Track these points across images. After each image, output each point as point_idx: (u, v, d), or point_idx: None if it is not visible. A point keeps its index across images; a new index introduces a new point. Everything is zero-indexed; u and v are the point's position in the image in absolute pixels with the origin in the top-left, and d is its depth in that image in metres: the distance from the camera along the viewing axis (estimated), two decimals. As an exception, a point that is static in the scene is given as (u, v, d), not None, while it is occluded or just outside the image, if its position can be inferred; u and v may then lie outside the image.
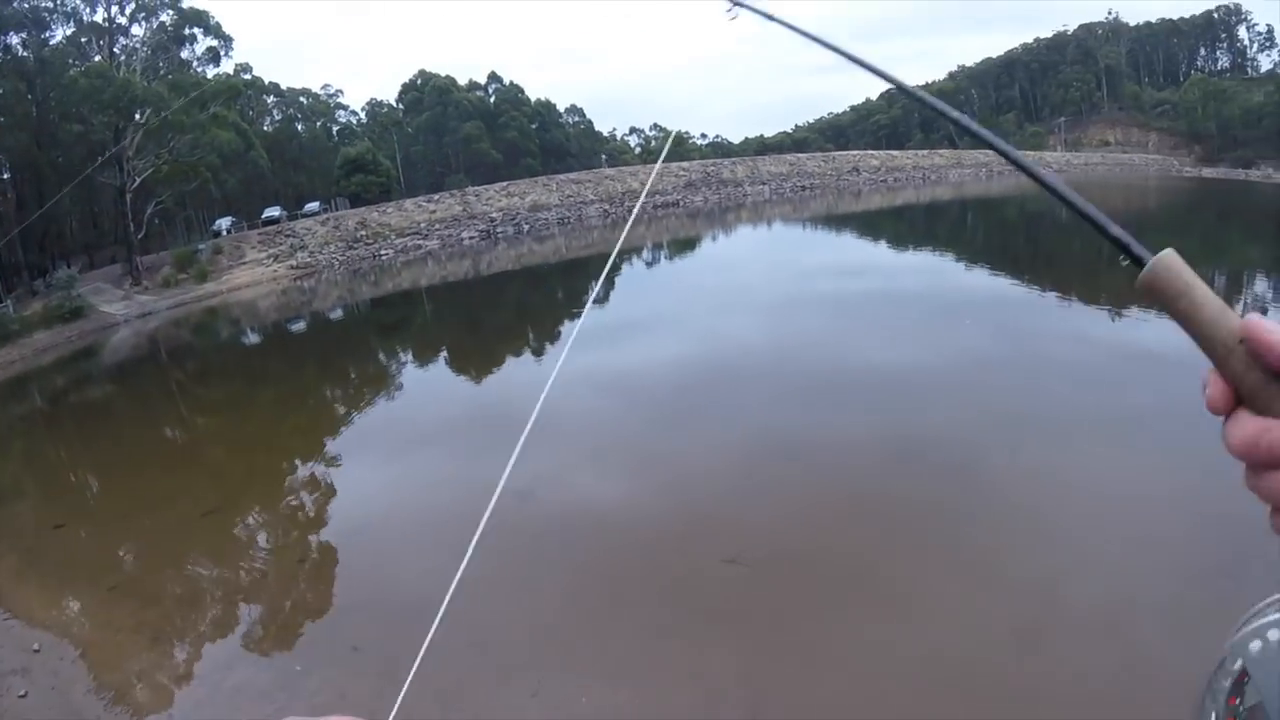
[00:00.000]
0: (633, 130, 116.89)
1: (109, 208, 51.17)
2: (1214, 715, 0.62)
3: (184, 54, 50.25)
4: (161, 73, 47.22)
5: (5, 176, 45.84)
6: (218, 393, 20.97)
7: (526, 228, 57.39)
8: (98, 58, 45.86)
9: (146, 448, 15.44)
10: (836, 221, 40.91)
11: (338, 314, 33.93)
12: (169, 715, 5.92)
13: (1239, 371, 0.55)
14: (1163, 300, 0.58)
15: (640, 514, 7.87)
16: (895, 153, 77.13)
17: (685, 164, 71.21)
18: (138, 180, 44.02)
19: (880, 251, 26.36)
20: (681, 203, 62.68)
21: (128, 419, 19.29)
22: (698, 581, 6.38)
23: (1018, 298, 16.85)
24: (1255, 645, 0.59)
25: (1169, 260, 0.58)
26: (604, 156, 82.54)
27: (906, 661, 5.20)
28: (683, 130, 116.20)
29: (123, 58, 46.49)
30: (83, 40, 47.73)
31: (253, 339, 30.55)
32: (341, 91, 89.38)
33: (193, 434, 16.59)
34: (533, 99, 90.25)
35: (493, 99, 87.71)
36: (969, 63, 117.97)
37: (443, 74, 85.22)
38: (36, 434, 19.71)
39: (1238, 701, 0.60)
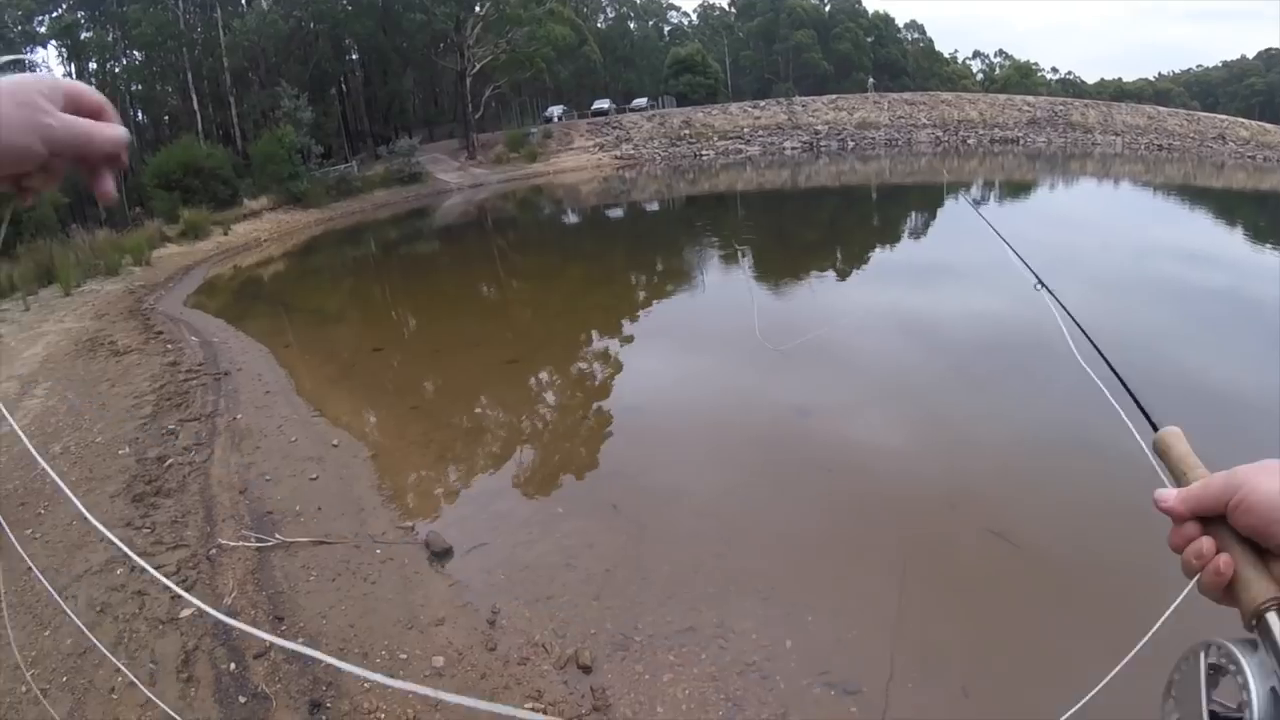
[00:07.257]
0: (976, 54, 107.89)
1: (449, 89, 55.14)
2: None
3: (521, -49, 51.64)
4: (497, -32, 48.98)
5: (354, 57, 50.57)
6: (532, 261, 21.88)
7: (851, 145, 54.69)
8: (439, -47, 48.23)
9: (462, 298, 16.47)
10: (1192, 195, 34.69)
11: (653, 206, 34.31)
12: (433, 522, 6.20)
13: None
14: None
15: (909, 463, 7.05)
16: (1269, 126, 62.68)
17: (1031, 99, 64.47)
18: (476, 66, 46.99)
19: (1235, 242, 21.83)
20: (1022, 140, 56.96)
21: (448, 271, 20.63)
22: (954, 549, 5.69)
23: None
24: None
25: None
26: (867, 82, 74.18)
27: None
28: (1031, 60, 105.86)
29: (462, -45, 48.64)
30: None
31: (571, 218, 31.83)
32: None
33: (505, 293, 17.41)
34: (870, 11, 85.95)
35: (827, 8, 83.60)
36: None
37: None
38: (367, 273, 21.77)
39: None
